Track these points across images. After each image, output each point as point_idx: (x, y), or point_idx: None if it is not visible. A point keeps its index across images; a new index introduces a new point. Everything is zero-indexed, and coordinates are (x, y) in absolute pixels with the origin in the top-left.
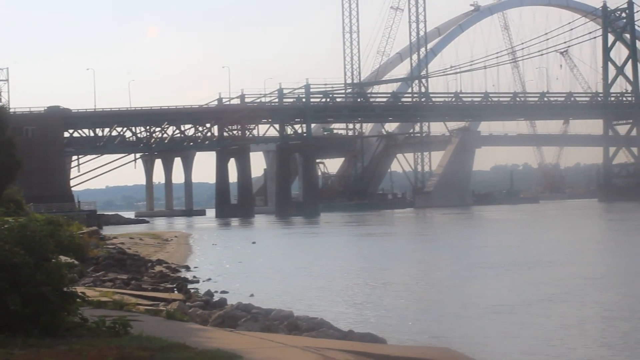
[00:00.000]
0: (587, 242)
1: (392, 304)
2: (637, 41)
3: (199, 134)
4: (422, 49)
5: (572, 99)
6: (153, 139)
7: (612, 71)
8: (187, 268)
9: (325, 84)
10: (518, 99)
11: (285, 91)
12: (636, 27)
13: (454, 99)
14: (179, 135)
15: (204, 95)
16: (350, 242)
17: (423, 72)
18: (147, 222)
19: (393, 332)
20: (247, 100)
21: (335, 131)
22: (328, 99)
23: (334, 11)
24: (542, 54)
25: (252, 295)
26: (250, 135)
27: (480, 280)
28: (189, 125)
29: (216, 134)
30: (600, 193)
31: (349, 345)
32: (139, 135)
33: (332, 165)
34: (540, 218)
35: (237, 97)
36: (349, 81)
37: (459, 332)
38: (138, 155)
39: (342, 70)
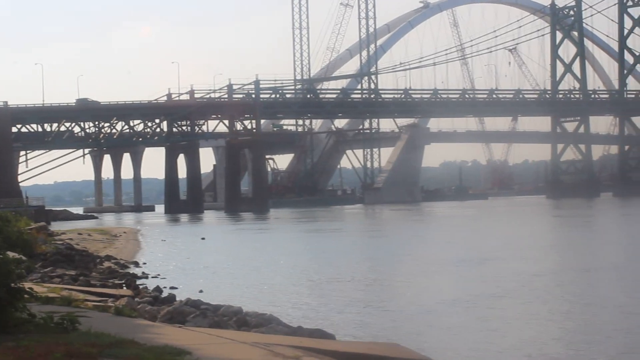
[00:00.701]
0: (535, 238)
1: (341, 300)
2: (585, 39)
3: (148, 129)
4: (372, 46)
5: (521, 96)
6: (102, 135)
7: (560, 68)
8: (136, 264)
9: (275, 80)
10: (467, 95)
11: (234, 87)
12: (584, 24)
13: (403, 96)
14: (128, 130)
15: (153, 90)
16: (299, 238)
17: (372, 69)
18: (96, 217)
19: (342, 327)
20: (196, 96)
21: (284, 127)
22: (278, 95)
23: (284, 7)
24: (490, 51)
25: (201, 291)
26: (200, 131)
27: (429, 276)
28: (138, 121)
29: (165, 129)
30: (548, 189)
31: (297, 341)
32: (87, 130)
33: (281, 161)
34: (489, 214)
35: (186, 93)
36: (298, 77)
37: (407, 327)
38: (87, 150)
39: (292, 66)
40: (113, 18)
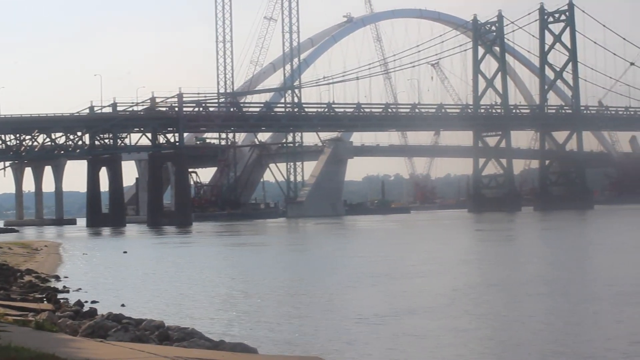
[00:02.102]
0: (456, 252)
1: (263, 314)
2: (506, 54)
3: (70, 142)
4: (295, 60)
5: (443, 110)
6: (23, 147)
7: (482, 83)
8: (57, 278)
9: (199, 94)
10: (390, 110)
11: (157, 100)
12: (506, 40)
13: (326, 110)
14: (49, 143)
15: (76, 103)
16: (222, 252)
17: (296, 83)
18: (17, 231)
19: (265, 342)
20: (119, 108)
21: (208, 140)
22: (201, 109)
23: (208, 20)
24: (413, 66)
25: (123, 305)
26: (122, 144)
27: (352, 291)
28: (60, 134)
29: (87, 142)
30: (470, 203)
31: (219, 355)
32: (8, 143)
33: (204, 174)
34: (411, 228)
35: (109, 106)
36: (222, 90)
37: (330, 341)
38: (7, 163)
39: (216, 79)
40: (32, 31)
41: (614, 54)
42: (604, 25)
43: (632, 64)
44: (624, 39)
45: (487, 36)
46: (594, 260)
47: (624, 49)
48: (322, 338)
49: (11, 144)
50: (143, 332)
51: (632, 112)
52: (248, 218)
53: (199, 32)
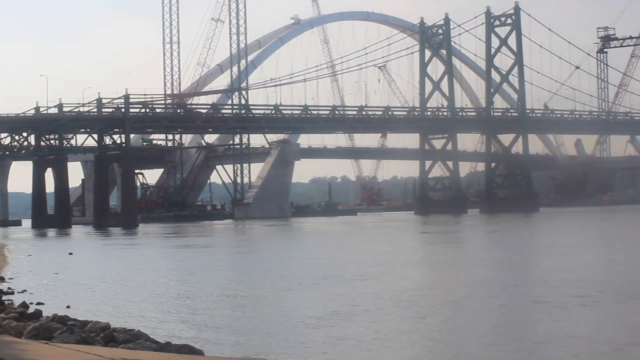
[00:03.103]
0: (403, 255)
1: (210, 316)
2: (453, 57)
3: (15, 143)
4: (243, 61)
5: (390, 113)
6: None
7: (428, 86)
8: (2, 279)
9: (145, 95)
10: (337, 112)
11: (104, 101)
12: (452, 43)
13: (273, 112)
14: None
15: (21, 103)
16: (169, 254)
17: (243, 84)
18: None
19: (211, 343)
20: (65, 109)
21: (154, 142)
22: (147, 110)
23: (154, 21)
24: (360, 68)
25: (68, 307)
26: (68, 145)
27: (298, 293)
28: (5, 134)
29: (33, 143)
30: (416, 206)
31: (165, 357)
32: None
33: (151, 176)
34: (358, 230)
35: (54, 107)
36: (169, 92)
37: (277, 343)
38: None
39: (162, 81)
40: None
41: (560, 58)
42: (549, 29)
43: (577, 67)
44: (570, 42)
45: (434, 39)
46: (539, 263)
47: (569, 52)
48: (267, 339)
49: None
50: (88, 334)
51: (577, 116)
52: (194, 220)
53: (145, 33)
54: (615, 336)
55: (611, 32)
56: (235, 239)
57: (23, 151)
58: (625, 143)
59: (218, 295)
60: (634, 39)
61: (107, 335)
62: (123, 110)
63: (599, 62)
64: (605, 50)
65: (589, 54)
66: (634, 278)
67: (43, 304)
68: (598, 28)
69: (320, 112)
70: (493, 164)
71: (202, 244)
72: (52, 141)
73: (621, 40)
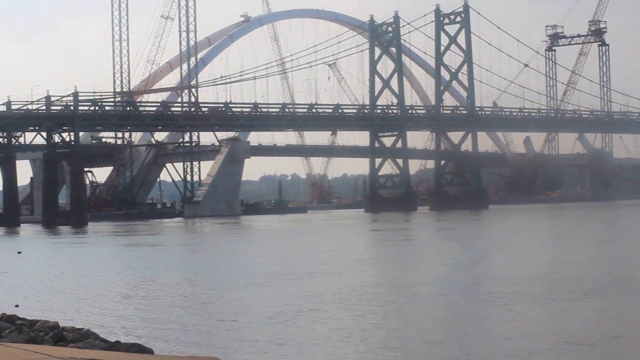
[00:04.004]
0: (353, 252)
1: (159, 315)
2: (402, 55)
3: None
4: (192, 59)
5: (340, 110)
6: None
7: (378, 84)
8: None
9: (94, 92)
10: (287, 110)
11: (53, 99)
12: (402, 41)
13: (223, 109)
14: None
15: None
16: (118, 252)
17: (193, 82)
18: None
19: (161, 342)
20: (13, 107)
21: (104, 140)
22: (97, 107)
23: (103, 19)
24: (310, 66)
25: (17, 306)
26: (17, 143)
27: (248, 291)
28: None
29: None
30: (366, 203)
31: (115, 356)
32: None
33: (100, 174)
34: (308, 228)
35: (3, 104)
36: (118, 89)
37: (227, 341)
38: None
39: (112, 78)
40: None
41: (509, 56)
42: (498, 27)
43: (526, 65)
44: (518, 40)
45: (384, 37)
46: (488, 260)
47: (518, 50)
48: (217, 337)
49: None
50: (37, 333)
51: (526, 113)
52: (144, 218)
53: (94, 31)
54: (566, 333)
55: (559, 31)
56: (185, 237)
57: None
58: (574, 141)
59: (168, 293)
60: (582, 37)
61: (56, 335)
62: (72, 108)
63: (547, 60)
64: (553, 48)
65: (537, 52)
66: (583, 274)
67: None
68: (547, 26)
69: (270, 109)
70: (442, 162)
71: (152, 243)
72: (0, 139)
73: (569, 39)
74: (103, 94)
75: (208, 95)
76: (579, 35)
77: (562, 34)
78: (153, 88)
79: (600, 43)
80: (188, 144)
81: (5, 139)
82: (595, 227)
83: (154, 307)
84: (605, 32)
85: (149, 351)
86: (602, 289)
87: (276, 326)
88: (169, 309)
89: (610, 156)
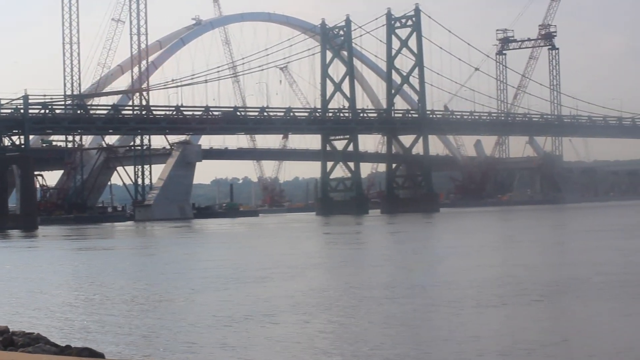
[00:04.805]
0: (305, 256)
1: (110, 319)
2: (354, 59)
3: None
4: (144, 62)
5: (292, 114)
6: None
7: (330, 87)
8: None
9: (45, 95)
10: (238, 113)
11: (2, 102)
12: (354, 44)
13: (175, 113)
14: None
15: None
16: (69, 257)
17: (144, 85)
18: None
19: (112, 346)
20: None
21: (54, 143)
22: (47, 111)
23: (54, 21)
24: (262, 69)
25: None
26: None
27: (199, 295)
28: None
29: None
30: (318, 206)
31: None
32: None
33: (51, 177)
34: (260, 231)
35: None
36: (69, 92)
37: (179, 345)
38: None
39: (62, 81)
40: None
41: (460, 59)
42: (449, 31)
43: (476, 69)
44: (469, 44)
45: (335, 40)
46: (439, 263)
47: (469, 54)
48: (168, 342)
49: None
50: None
51: (476, 117)
52: (95, 221)
53: (45, 34)
54: (515, 336)
55: (510, 35)
56: (136, 241)
57: None
58: (524, 144)
59: (118, 297)
60: (532, 41)
61: (6, 339)
62: (22, 111)
63: (498, 64)
64: (504, 52)
65: (488, 56)
66: (533, 278)
67: None
68: (497, 30)
69: (222, 113)
70: (394, 165)
71: (103, 246)
72: None
73: (520, 43)
74: (53, 97)
75: (159, 99)
76: (529, 39)
77: (512, 38)
78: (104, 91)
79: (550, 47)
80: (139, 148)
81: None
82: (545, 230)
83: (104, 312)
84: (555, 36)
85: (100, 355)
86: (551, 292)
87: (226, 330)
88: (120, 313)
89: (560, 159)
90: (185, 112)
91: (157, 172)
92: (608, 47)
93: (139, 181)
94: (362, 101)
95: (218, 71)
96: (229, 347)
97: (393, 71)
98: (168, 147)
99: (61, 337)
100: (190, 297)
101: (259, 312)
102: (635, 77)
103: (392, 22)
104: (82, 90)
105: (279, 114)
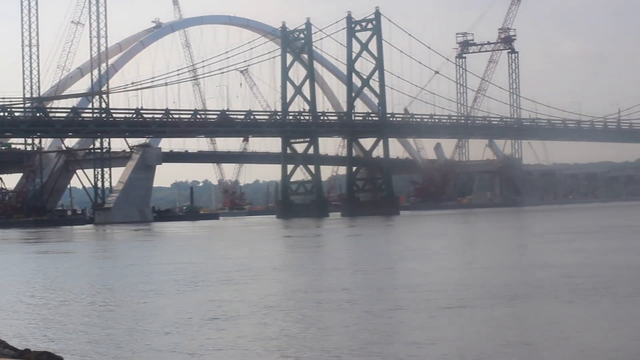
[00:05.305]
0: (265, 259)
1: (70, 323)
2: (314, 62)
3: None
4: (103, 65)
5: (252, 117)
6: None
7: (290, 90)
8: None
9: (4, 98)
10: (198, 116)
11: None
12: (314, 48)
13: (134, 115)
14: None
15: None
16: (27, 260)
17: (104, 88)
18: None
19: (70, 350)
20: None
21: (13, 146)
22: (6, 114)
23: (13, 24)
24: (222, 72)
25: None
26: None
27: (160, 299)
28: None
29: None
30: (278, 209)
31: None
32: None
33: (9, 180)
34: (220, 234)
35: None
36: (28, 95)
37: (141, 349)
38: None
39: (21, 83)
40: None
41: (420, 63)
42: (409, 35)
43: (436, 72)
44: (429, 47)
45: (296, 44)
46: (400, 267)
47: (429, 57)
48: (128, 346)
49: None
50: None
51: (436, 120)
52: (55, 225)
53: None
54: (481, 339)
55: (470, 38)
56: (96, 245)
57: None
58: (484, 147)
59: (78, 302)
60: (492, 45)
61: None
62: None
63: (457, 67)
64: (464, 55)
65: (448, 59)
66: (494, 280)
67: None
68: (457, 34)
69: (182, 116)
70: (354, 168)
71: (62, 250)
72: None
73: (479, 46)
74: (12, 99)
75: (119, 101)
76: (488, 43)
77: (472, 42)
78: (63, 94)
79: (509, 50)
80: (99, 150)
81: None
82: (505, 233)
83: (64, 315)
84: (515, 39)
85: (59, 359)
86: (513, 295)
87: (186, 334)
88: (80, 316)
89: (519, 162)
90: (145, 115)
91: (117, 175)
92: (567, 51)
93: (99, 184)
94: (323, 104)
95: (178, 74)
96: (184, 352)
97: (353, 74)
98: (128, 150)
99: (20, 341)
100: (148, 300)
101: (218, 315)
102: (593, 81)
103: (353, 25)
104: (41, 93)
105: (239, 116)
